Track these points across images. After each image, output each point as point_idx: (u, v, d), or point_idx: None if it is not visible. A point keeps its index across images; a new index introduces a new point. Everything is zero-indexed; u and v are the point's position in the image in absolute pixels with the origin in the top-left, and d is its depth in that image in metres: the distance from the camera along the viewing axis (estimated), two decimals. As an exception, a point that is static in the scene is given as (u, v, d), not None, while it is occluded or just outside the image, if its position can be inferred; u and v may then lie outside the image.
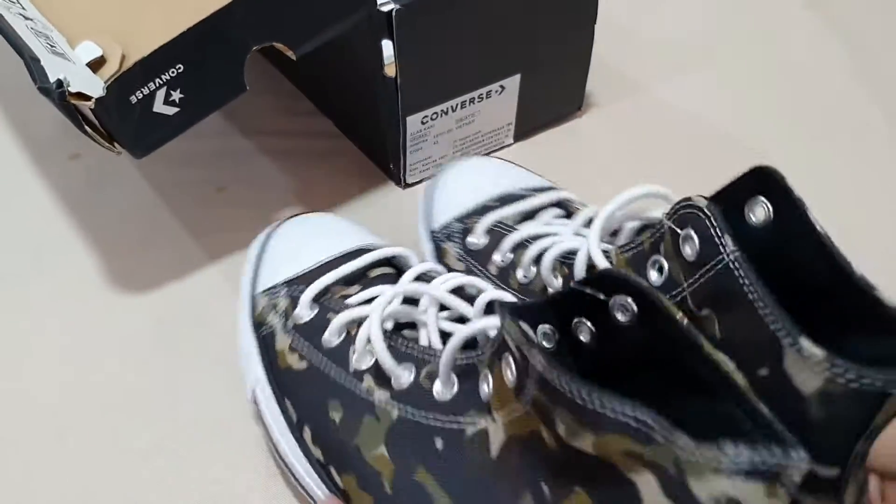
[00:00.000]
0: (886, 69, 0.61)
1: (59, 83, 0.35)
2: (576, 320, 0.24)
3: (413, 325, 0.32)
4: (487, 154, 0.53)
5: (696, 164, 0.52)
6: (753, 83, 0.60)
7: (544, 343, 0.24)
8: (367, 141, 0.53)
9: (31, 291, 0.45)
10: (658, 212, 0.33)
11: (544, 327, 0.24)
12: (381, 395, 0.30)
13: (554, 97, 0.54)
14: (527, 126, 0.54)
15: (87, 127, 0.38)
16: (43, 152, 0.55)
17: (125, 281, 0.45)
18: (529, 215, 0.39)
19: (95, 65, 0.40)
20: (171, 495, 0.36)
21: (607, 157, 0.54)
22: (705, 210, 0.27)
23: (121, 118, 0.38)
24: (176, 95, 0.39)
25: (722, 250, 0.25)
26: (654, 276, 0.30)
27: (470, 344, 0.29)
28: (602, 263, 0.32)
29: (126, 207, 0.50)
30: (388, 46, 0.44)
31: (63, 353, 0.42)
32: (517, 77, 0.50)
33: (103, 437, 0.38)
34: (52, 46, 0.39)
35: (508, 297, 0.30)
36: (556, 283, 0.35)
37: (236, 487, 0.36)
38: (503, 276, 0.37)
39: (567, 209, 0.39)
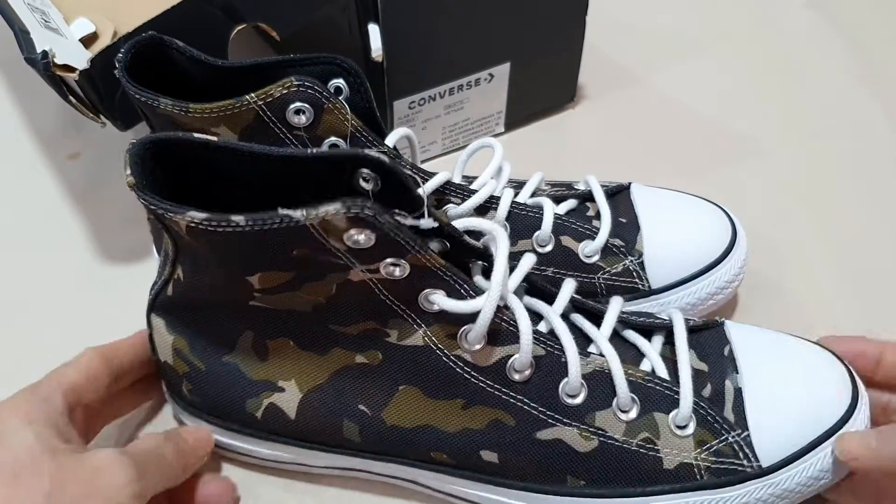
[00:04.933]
0: (885, 66, 0.61)
1: (45, 54, 0.36)
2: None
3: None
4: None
5: (689, 156, 0.52)
6: (748, 75, 0.60)
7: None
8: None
9: (31, 291, 0.45)
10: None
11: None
12: None
13: (545, 87, 0.54)
14: (518, 115, 0.54)
15: (71, 97, 0.39)
16: (42, 151, 0.54)
17: (125, 280, 0.45)
18: None
19: (88, 40, 0.41)
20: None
21: (600, 149, 0.54)
22: None
23: (105, 91, 0.39)
24: (160, 70, 0.40)
25: None
26: None
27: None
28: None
29: (125, 206, 0.49)
30: (374, 30, 0.45)
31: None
32: (506, 65, 0.51)
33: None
34: (45, 21, 0.41)
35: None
36: None
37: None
38: None
39: None
